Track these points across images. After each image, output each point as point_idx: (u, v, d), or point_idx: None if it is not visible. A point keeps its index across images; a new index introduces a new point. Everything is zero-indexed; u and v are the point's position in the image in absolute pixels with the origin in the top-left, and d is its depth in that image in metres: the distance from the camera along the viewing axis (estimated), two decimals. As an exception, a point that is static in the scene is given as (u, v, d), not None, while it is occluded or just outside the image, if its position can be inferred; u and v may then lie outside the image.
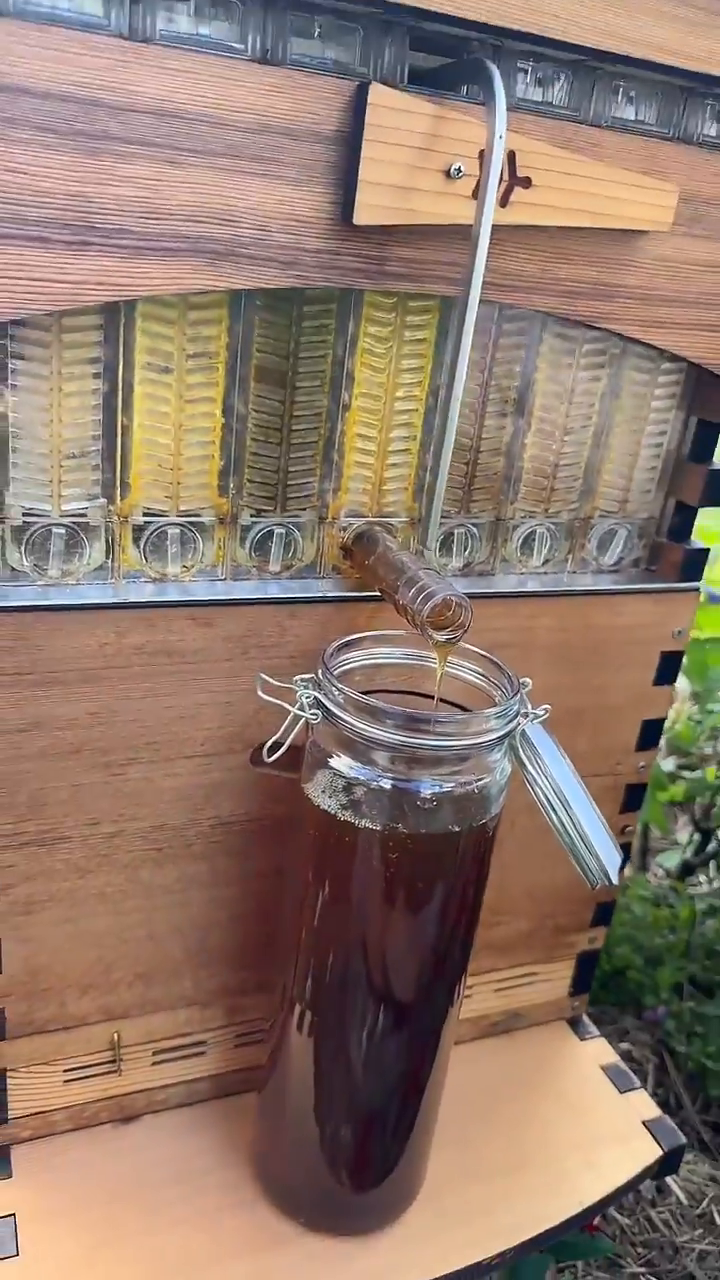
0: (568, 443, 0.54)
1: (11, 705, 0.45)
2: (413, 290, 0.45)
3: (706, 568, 0.58)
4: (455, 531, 0.53)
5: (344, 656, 0.48)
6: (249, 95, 0.39)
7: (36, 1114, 0.56)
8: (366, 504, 0.51)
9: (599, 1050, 0.69)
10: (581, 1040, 0.70)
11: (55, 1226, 0.53)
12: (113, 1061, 0.57)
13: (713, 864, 1.18)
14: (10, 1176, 0.55)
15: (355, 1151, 0.54)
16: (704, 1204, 0.79)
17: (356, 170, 0.40)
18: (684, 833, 1.24)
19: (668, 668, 0.60)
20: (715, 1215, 0.79)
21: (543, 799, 0.47)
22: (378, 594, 0.50)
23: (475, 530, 0.54)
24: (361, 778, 0.45)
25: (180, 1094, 0.60)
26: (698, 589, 0.58)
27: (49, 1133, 0.57)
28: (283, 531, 0.49)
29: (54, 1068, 0.56)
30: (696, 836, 1.17)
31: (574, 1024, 0.71)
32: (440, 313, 0.48)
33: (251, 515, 0.49)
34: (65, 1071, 0.56)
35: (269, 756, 0.46)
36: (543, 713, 0.47)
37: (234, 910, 0.56)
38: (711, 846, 1.16)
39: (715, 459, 0.56)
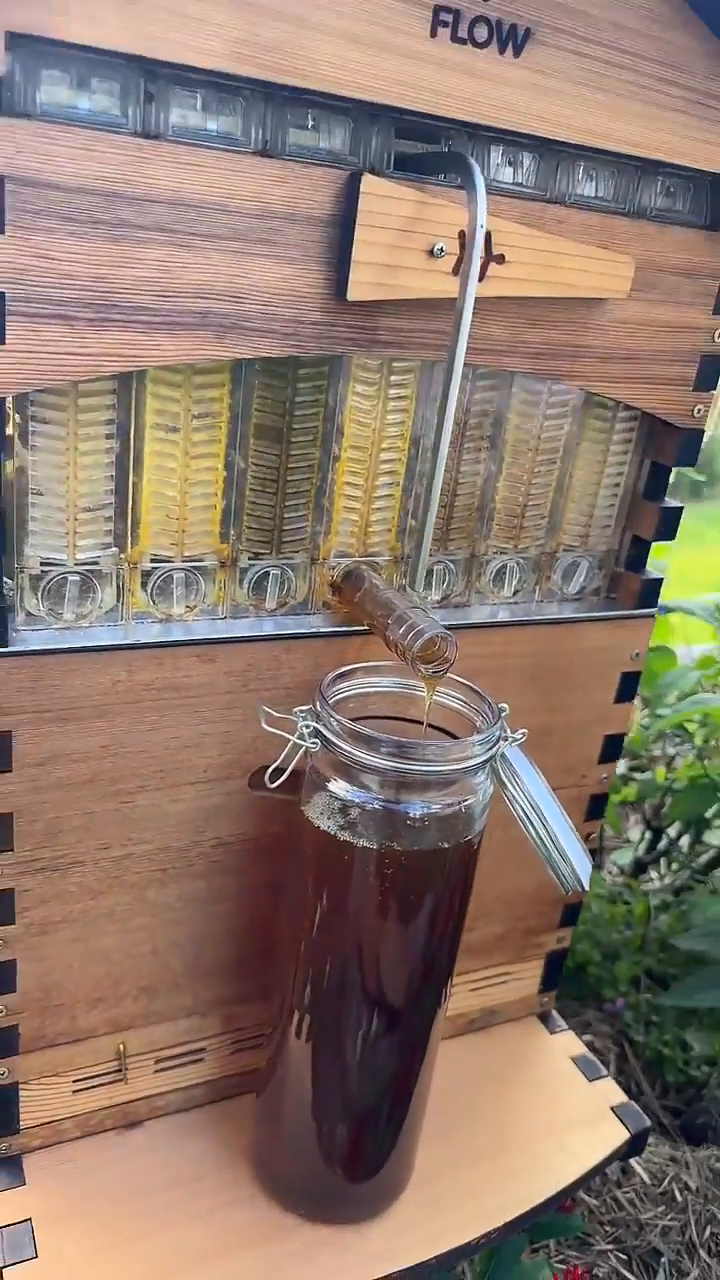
0: (535, 485, 0.58)
1: (31, 741, 0.48)
2: (399, 356, 0.49)
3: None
4: (434, 567, 0.58)
5: (339, 686, 0.52)
6: (252, 185, 0.43)
7: (46, 1123, 0.59)
8: (354, 545, 0.55)
9: (568, 1042, 0.74)
10: (552, 1034, 0.75)
11: (69, 1229, 0.56)
12: (118, 1071, 0.60)
13: (663, 861, 1.24)
14: (24, 1184, 0.58)
15: (351, 1146, 0.58)
16: (665, 1183, 0.85)
17: (350, 251, 0.44)
18: (635, 831, 1.30)
19: (627, 687, 0.65)
20: (676, 1193, 0.84)
21: (521, 814, 0.52)
22: (365, 628, 0.54)
23: (452, 566, 0.58)
24: (357, 800, 0.50)
25: (179, 1099, 0.63)
26: (654, 615, 0.63)
27: (58, 1140, 0.60)
28: (278, 572, 0.53)
29: (64, 1079, 0.59)
30: (648, 835, 1.23)
31: (544, 1019, 0.76)
32: (420, 372, 0.52)
33: (250, 558, 0.52)
34: (74, 1082, 0.59)
35: (271, 782, 0.50)
36: (520, 736, 0.52)
37: (230, 924, 0.59)
38: (662, 844, 1.23)
39: (666, 497, 0.62)
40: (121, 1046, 0.60)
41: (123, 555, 0.49)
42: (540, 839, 0.52)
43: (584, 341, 0.53)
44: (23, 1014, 0.55)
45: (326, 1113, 0.57)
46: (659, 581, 0.63)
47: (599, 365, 0.54)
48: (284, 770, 0.50)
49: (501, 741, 0.50)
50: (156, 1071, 0.62)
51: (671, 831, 1.22)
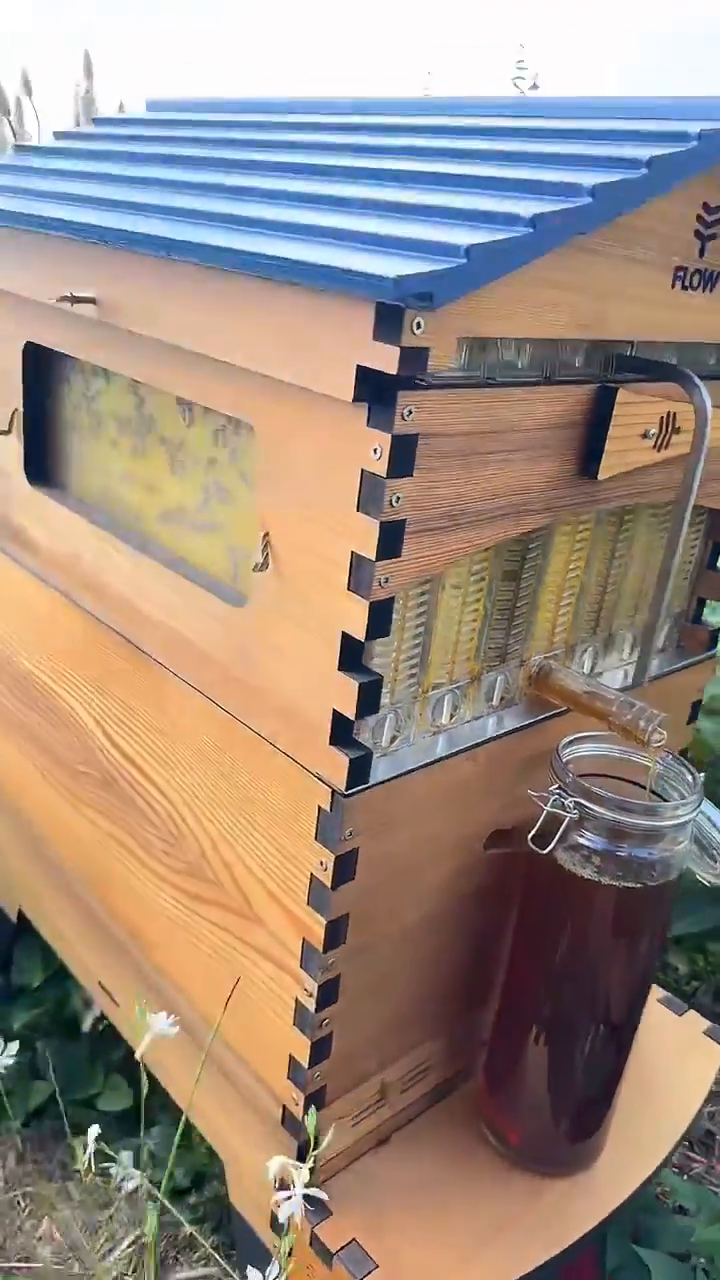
0: (649, 573, 0.74)
1: (365, 851, 0.59)
2: (608, 508, 0.63)
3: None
4: (587, 648, 0.73)
5: (567, 756, 0.66)
6: (542, 407, 0.55)
7: (330, 1160, 0.70)
8: (544, 645, 0.69)
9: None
10: (636, 987, 0.93)
11: (385, 1238, 0.68)
12: (381, 1101, 0.72)
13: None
14: (331, 1214, 0.69)
15: (579, 1117, 0.73)
16: (702, 1081, 1.07)
17: (599, 444, 0.58)
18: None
19: (694, 712, 0.83)
20: (710, 1086, 1.06)
21: (706, 826, 0.69)
22: (560, 709, 0.68)
23: (599, 646, 0.73)
24: (602, 849, 0.64)
25: (411, 1111, 0.76)
26: (715, 655, 0.82)
27: (336, 1172, 0.71)
28: (503, 678, 0.66)
29: (346, 1119, 0.70)
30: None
31: (625, 976, 0.94)
32: (595, 513, 0.66)
33: (486, 671, 0.65)
34: (352, 1119, 0.70)
35: (544, 847, 0.63)
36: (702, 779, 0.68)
37: (461, 958, 0.72)
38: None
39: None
40: (384, 1080, 0.71)
41: (418, 688, 0.60)
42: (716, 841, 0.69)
43: (708, 470, 0.69)
44: (330, 1075, 0.66)
45: (561, 1095, 0.72)
46: (718, 631, 0.81)
47: (713, 485, 0.71)
48: (549, 834, 0.63)
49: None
50: (402, 1092, 0.74)
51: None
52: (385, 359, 0.44)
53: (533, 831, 0.64)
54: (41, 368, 0.77)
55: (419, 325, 0.44)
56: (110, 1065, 0.99)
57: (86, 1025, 0.99)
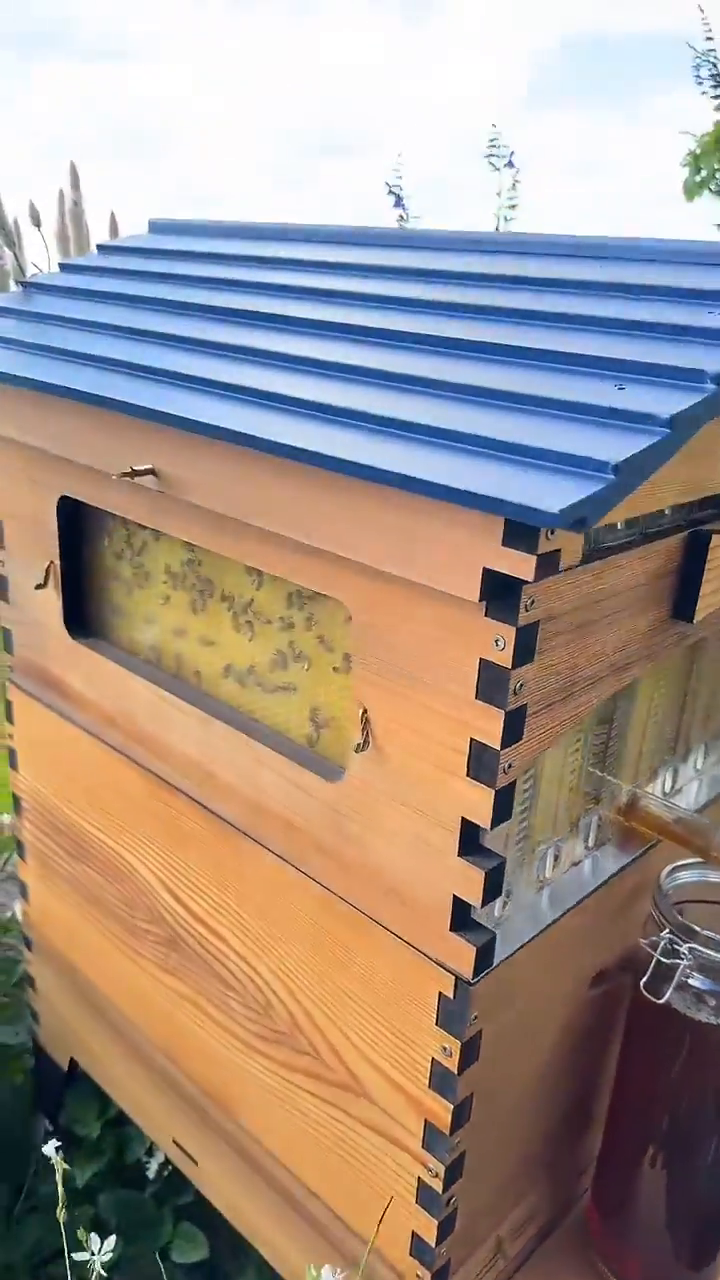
0: (716, 692, 0.73)
1: (488, 1030, 0.56)
2: (693, 638, 0.62)
3: None
4: (668, 768, 0.71)
5: (669, 887, 0.64)
6: (644, 564, 0.53)
7: (453, 1329, 0.67)
8: (630, 775, 0.67)
9: None
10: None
11: None
12: (497, 1256, 0.69)
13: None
14: None
15: (700, 1242, 0.71)
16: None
17: (698, 588, 0.56)
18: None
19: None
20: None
21: None
22: (651, 842, 0.67)
23: (677, 764, 0.72)
24: (712, 989, 0.62)
25: (520, 1257, 0.73)
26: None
27: (458, 1337, 0.68)
28: (596, 818, 0.64)
29: (467, 1284, 0.67)
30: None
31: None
32: (676, 638, 0.65)
33: (583, 816, 0.63)
34: (472, 1282, 0.67)
35: (657, 995, 0.61)
36: None
37: (568, 1101, 0.70)
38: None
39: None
40: (498, 1238, 0.69)
41: (528, 851, 0.58)
42: None
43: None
44: (453, 1248, 0.63)
45: (680, 1224, 0.70)
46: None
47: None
48: (660, 978, 0.61)
49: None
50: (514, 1241, 0.71)
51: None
52: (519, 566, 0.42)
53: (644, 979, 0.62)
54: (79, 518, 0.73)
55: (552, 532, 0.42)
56: (179, 1212, 0.95)
57: (152, 1173, 0.95)
